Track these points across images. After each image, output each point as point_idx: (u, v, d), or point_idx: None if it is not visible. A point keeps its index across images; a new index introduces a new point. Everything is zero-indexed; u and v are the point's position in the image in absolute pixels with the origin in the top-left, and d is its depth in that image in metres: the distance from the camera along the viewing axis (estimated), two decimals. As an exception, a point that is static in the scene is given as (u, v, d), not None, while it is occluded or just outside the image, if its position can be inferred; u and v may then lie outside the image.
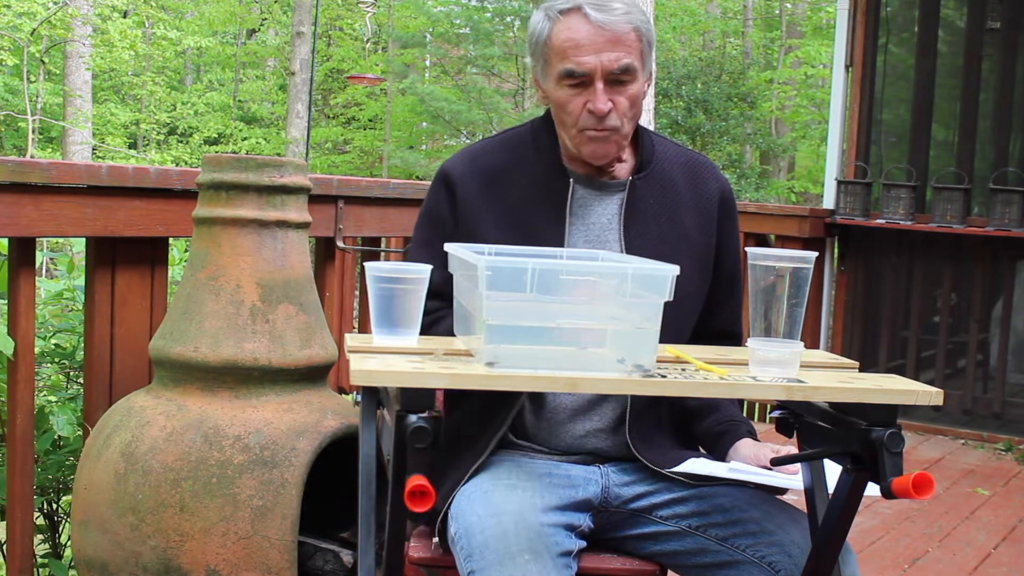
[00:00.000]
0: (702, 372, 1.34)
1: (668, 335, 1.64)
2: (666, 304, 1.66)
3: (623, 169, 1.77)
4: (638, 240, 1.71)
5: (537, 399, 1.69)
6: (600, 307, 1.30)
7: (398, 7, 17.68)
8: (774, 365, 1.36)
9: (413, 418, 1.22)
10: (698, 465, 1.61)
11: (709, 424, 1.75)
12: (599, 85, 1.63)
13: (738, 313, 1.83)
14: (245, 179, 2.05)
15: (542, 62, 1.69)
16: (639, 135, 1.78)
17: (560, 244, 1.69)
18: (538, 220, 1.70)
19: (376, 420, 1.48)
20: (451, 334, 1.60)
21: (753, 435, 1.71)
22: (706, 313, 1.78)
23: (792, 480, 1.55)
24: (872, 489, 1.39)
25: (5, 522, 2.28)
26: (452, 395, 1.77)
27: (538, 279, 1.25)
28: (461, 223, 1.72)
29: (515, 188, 1.72)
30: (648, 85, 1.71)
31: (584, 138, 1.68)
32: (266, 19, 20.43)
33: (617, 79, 1.64)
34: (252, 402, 2.02)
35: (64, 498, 2.66)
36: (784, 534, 1.58)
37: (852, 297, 5.17)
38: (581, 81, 1.64)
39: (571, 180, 1.72)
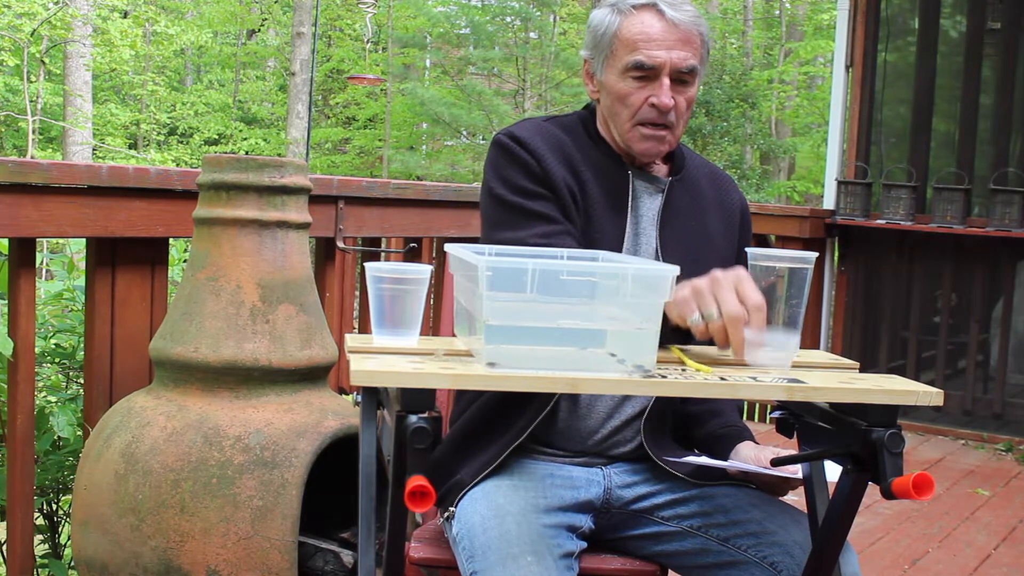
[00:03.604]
0: (702, 373, 1.34)
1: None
2: None
3: (660, 171, 1.79)
4: (672, 239, 1.73)
5: (566, 401, 1.69)
6: (600, 307, 1.29)
7: (398, 7, 17.68)
8: (768, 349, 1.38)
9: (413, 419, 1.22)
10: (701, 460, 1.62)
11: (710, 428, 1.76)
12: (665, 80, 1.65)
13: None
14: (245, 179, 2.05)
15: (606, 54, 1.70)
16: None
17: (621, 233, 1.69)
18: (603, 204, 1.70)
19: (376, 420, 1.48)
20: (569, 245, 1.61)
21: (753, 440, 1.71)
22: None
23: (792, 472, 1.55)
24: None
25: (5, 522, 2.28)
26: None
27: (538, 279, 1.25)
28: (544, 172, 1.67)
29: (580, 167, 1.71)
30: None
31: (638, 134, 1.69)
32: (266, 19, 20.44)
33: (681, 78, 1.66)
34: (252, 402, 2.02)
35: (64, 498, 2.66)
36: (786, 534, 1.58)
37: (852, 297, 5.17)
38: (647, 75, 1.65)
39: (629, 172, 1.74)
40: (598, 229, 1.68)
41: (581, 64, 1.79)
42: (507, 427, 1.66)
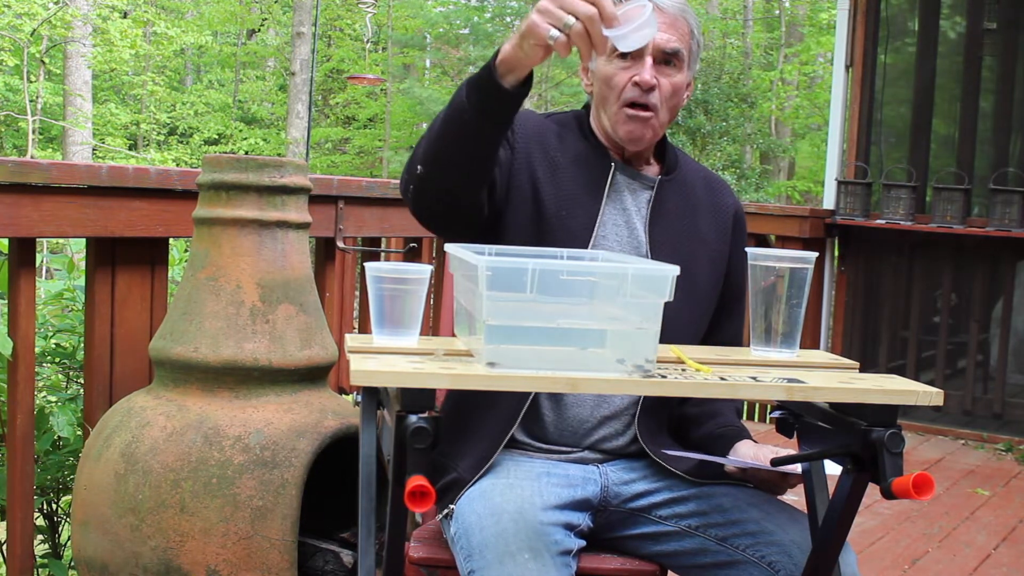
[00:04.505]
0: (702, 373, 1.34)
1: (686, 334, 1.67)
2: (686, 303, 1.68)
3: (650, 171, 1.81)
4: (661, 237, 1.75)
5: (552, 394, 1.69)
6: (600, 307, 1.29)
7: (398, 7, 17.68)
8: (632, 30, 1.38)
9: (413, 418, 1.22)
10: (699, 456, 1.62)
11: (708, 428, 1.76)
12: (648, 60, 1.69)
13: (740, 330, 1.84)
14: (245, 179, 2.05)
15: None
16: (665, 146, 1.83)
17: (594, 216, 1.72)
18: (577, 188, 1.73)
19: (376, 420, 1.48)
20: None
21: (752, 440, 1.71)
22: (712, 326, 1.79)
23: (791, 468, 1.55)
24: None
25: (5, 522, 2.28)
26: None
27: (538, 279, 1.25)
28: (517, 153, 1.72)
29: (561, 154, 1.75)
30: (688, 92, 1.77)
31: (624, 116, 1.71)
32: (266, 19, 20.43)
33: (665, 59, 1.70)
34: (252, 402, 2.02)
35: (64, 498, 2.66)
36: (784, 534, 1.58)
37: (852, 297, 5.17)
38: (631, 56, 1.68)
39: (612, 163, 1.76)
40: (567, 210, 1.70)
41: (579, 63, 1.82)
42: (494, 417, 1.66)
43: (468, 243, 1.47)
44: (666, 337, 1.59)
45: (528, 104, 16.50)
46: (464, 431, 1.69)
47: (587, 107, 1.83)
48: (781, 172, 17.47)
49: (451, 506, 1.62)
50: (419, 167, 1.54)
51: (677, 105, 1.75)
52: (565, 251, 1.57)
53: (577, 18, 1.34)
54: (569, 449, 1.70)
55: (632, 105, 1.70)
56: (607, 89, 1.72)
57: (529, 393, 1.65)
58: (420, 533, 1.74)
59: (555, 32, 1.36)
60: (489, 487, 1.59)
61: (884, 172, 5.11)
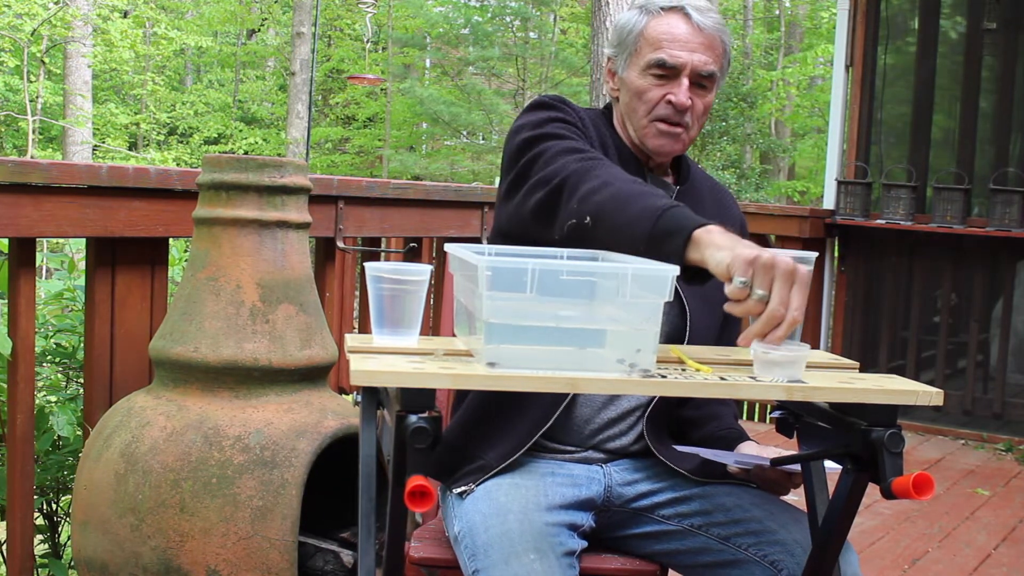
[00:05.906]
0: (702, 373, 1.34)
1: (707, 341, 1.68)
2: (704, 311, 1.68)
3: (667, 180, 1.81)
4: None
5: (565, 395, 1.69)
6: (600, 307, 1.29)
7: (398, 7, 17.68)
8: (778, 367, 1.35)
9: (413, 418, 1.22)
10: (704, 452, 1.62)
11: (709, 430, 1.76)
12: (684, 81, 1.68)
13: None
14: (245, 179, 2.05)
15: (629, 51, 1.73)
16: (680, 156, 1.82)
17: None
18: None
19: (376, 420, 1.48)
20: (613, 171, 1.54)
21: (753, 442, 1.71)
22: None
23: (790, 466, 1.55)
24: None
25: (5, 522, 2.28)
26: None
27: (538, 279, 1.25)
28: (585, 130, 1.69)
29: (611, 149, 1.74)
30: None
31: (653, 130, 1.71)
32: (266, 19, 20.44)
33: (700, 82, 1.69)
34: (252, 402, 2.02)
35: (64, 498, 2.66)
36: (787, 533, 1.58)
37: (852, 297, 5.17)
38: (667, 74, 1.68)
39: (644, 170, 1.76)
40: None
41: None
42: (522, 417, 1.65)
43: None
44: (690, 343, 1.58)
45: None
46: (489, 424, 1.68)
47: (607, 108, 1.82)
48: (781, 172, 17.47)
49: (472, 485, 1.61)
50: (588, 219, 1.48)
51: (704, 122, 1.75)
52: (565, 251, 1.57)
53: (768, 300, 1.27)
54: (574, 449, 1.70)
55: (664, 121, 1.70)
56: (638, 101, 1.71)
57: (564, 396, 1.65)
58: (420, 533, 1.74)
59: (743, 283, 1.28)
60: (494, 486, 1.59)
61: (884, 172, 5.11)
